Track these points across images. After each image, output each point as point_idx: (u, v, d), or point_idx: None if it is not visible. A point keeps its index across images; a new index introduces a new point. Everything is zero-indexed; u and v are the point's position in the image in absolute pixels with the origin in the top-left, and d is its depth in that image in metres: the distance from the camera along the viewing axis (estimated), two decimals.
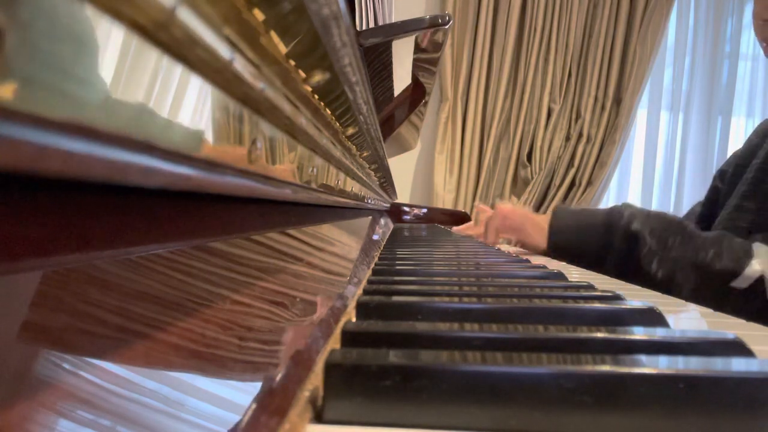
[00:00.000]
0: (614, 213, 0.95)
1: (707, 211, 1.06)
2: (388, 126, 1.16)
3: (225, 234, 0.24)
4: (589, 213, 1.03)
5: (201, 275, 0.21)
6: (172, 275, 0.18)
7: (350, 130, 0.42)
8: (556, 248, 0.99)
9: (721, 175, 1.06)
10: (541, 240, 1.02)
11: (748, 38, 2.80)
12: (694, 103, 2.77)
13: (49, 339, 0.12)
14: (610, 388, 0.21)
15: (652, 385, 0.21)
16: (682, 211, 1.19)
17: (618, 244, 0.92)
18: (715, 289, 0.81)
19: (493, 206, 1.36)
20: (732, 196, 0.95)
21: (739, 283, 0.79)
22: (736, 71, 2.77)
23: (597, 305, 0.36)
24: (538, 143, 2.56)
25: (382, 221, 1.36)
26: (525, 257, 0.75)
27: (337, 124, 0.37)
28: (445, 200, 2.54)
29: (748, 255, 0.80)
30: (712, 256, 0.82)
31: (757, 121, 2.79)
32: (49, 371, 0.12)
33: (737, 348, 0.26)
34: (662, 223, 0.90)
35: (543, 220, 1.04)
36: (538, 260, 0.87)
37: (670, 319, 0.35)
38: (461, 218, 1.96)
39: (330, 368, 0.21)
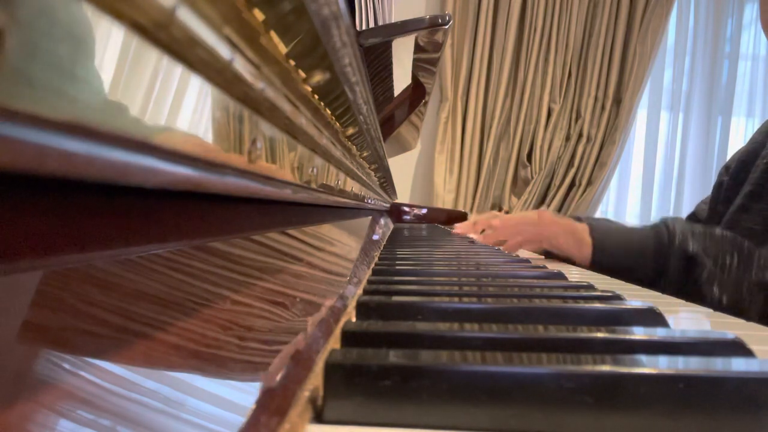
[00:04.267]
0: (662, 232, 0.86)
1: (713, 207, 1.02)
2: (388, 126, 1.16)
3: (225, 234, 0.24)
4: (633, 231, 0.92)
5: (201, 275, 0.20)
6: (172, 275, 0.18)
7: (350, 130, 0.42)
8: (602, 268, 0.88)
9: (725, 170, 1.01)
10: (580, 255, 0.91)
11: (748, 38, 2.80)
12: (694, 103, 2.77)
13: (49, 339, 0.12)
14: (610, 388, 0.21)
15: (652, 385, 0.21)
16: (682, 211, 1.17)
17: (673, 270, 0.83)
18: None
19: (499, 209, 1.22)
20: (738, 196, 0.91)
21: None
22: (736, 71, 2.77)
23: (597, 305, 0.36)
24: (538, 143, 2.56)
25: (382, 221, 1.36)
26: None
27: (337, 124, 0.37)
28: (445, 200, 2.54)
29: None
30: None
31: (757, 121, 2.80)
32: (49, 371, 0.12)
33: (737, 348, 0.26)
34: (715, 241, 0.82)
35: (582, 231, 0.92)
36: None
37: (670, 319, 0.35)
38: (461, 218, 1.96)
39: (330, 368, 0.21)
